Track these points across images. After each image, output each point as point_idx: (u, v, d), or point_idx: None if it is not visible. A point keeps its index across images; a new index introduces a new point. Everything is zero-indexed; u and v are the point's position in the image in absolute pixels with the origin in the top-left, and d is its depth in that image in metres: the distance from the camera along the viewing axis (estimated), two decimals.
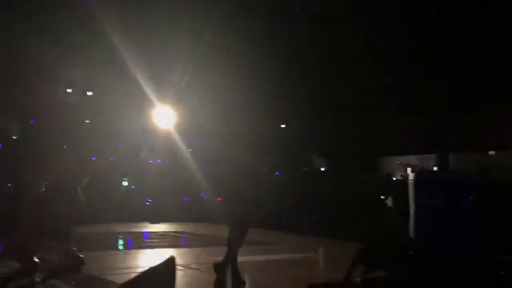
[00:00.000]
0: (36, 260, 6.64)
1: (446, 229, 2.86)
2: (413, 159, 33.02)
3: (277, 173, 22.84)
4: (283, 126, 29.30)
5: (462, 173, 2.59)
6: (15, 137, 16.44)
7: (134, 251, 10.62)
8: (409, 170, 28.38)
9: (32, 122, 15.63)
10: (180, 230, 15.81)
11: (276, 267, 8.70)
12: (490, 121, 24.94)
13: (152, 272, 1.55)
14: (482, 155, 28.26)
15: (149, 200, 18.94)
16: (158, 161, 21.21)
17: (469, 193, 2.81)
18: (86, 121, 16.90)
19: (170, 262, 1.61)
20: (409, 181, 3.13)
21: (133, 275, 2.38)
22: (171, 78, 19.96)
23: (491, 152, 28.85)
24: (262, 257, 9.56)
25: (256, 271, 7.90)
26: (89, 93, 20.10)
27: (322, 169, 29.97)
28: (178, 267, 7.37)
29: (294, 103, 26.08)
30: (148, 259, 8.57)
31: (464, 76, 23.18)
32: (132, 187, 19.26)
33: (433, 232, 2.91)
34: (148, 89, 19.08)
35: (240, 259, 8.97)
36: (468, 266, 2.97)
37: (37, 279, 6.24)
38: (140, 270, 2.67)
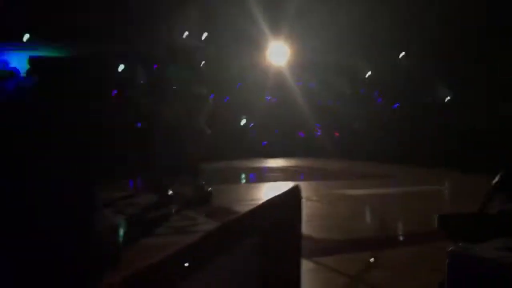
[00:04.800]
0: (171, 193, 7.32)
1: None
2: None
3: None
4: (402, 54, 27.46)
5: None
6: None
7: (256, 184, 11.12)
8: None
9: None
10: (297, 165, 16.08)
11: (398, 199, 8.40)
12: None
13: (278, 199, 1.49)
14: None
15: (264, 142, 19.44)
16: (273, 99, 21.35)
17: None
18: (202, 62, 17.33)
19: (295, 190, 1.55)
20: None
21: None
22: (285, 10, 19.34)
23: None
24: (380, 190, 9.21)
25: (376, 204, 7.76)
26: (205, 34, 20.50)
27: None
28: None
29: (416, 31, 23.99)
30: (270, 191, 8.87)
31: None
32: (251, 125, 19.83)
33: None
34: (263, 25, 18.85)
35: (360, 192, 8.91)
36: None
37: (173, 210, 6.88)
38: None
